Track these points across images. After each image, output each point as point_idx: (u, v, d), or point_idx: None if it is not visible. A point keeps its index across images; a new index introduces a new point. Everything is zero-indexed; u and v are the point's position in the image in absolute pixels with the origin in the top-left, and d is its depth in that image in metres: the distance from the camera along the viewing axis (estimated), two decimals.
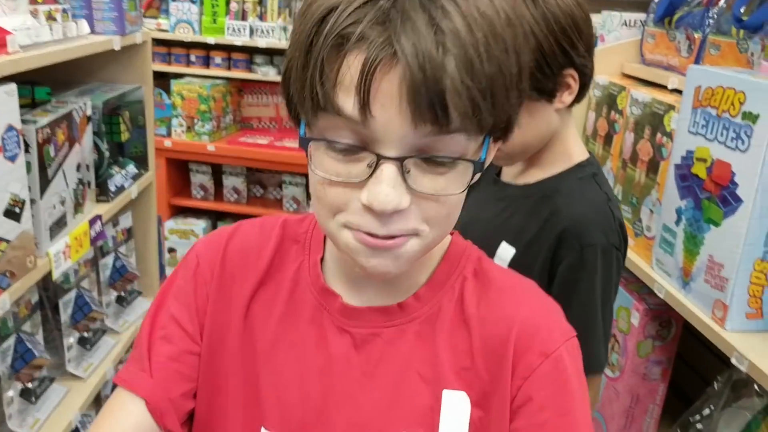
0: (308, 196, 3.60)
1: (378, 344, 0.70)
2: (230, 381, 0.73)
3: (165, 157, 3.52)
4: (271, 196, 3.80)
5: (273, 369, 0.72)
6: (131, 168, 1.78)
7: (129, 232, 1.87)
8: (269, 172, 3.75)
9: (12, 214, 1.17)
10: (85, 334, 1.62)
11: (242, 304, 0.74)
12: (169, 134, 3.56)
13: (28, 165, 1.23)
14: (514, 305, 0.69)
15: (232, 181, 3.70)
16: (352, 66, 0.54)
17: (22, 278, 1.21)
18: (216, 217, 3.78)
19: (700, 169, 1.29)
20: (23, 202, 1.20)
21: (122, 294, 1.81)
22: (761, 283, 1.19)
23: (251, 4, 3.48)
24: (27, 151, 1.22)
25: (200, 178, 3.71)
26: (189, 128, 3.53)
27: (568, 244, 1.02)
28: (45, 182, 1.30)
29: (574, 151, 1.10)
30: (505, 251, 1.08)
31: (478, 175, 0.61)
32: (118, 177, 1.70)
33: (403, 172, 0.58)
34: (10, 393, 1.36)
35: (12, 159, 1.16)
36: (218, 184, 3.73)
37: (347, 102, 0.55)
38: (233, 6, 3.47)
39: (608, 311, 1.05)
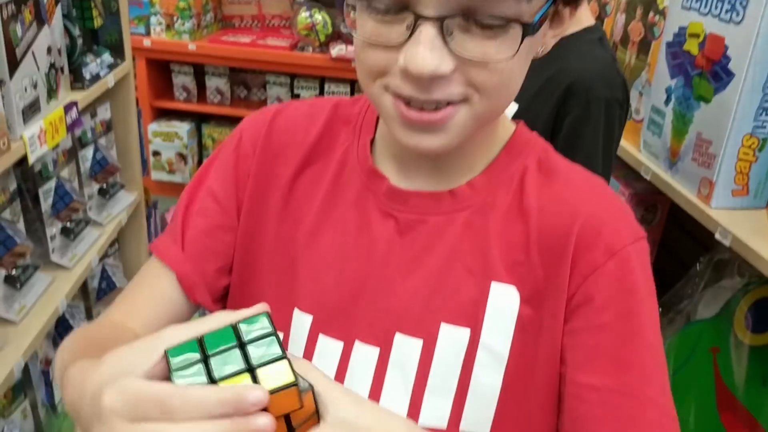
0: (293, 97, 3.53)
1: (423, 231, 0.66)
2: (267, 259, 0.71)
3: (145, 57, 3.41)
4: (255, 97, 3.72)
5: (311, 250, 0.69)
6: (106, 57, 1.72)
7: (108, 125, 1.82)
8: (253, 72, 3.65)
9: None
10: (68, 225, 1.60)
11: (284, 183, 0.71)
12: (148, 33, 3.44)
13: None
14: (580, 198, 0.64)
15: (215, 82, 3.61)
16: None
17: None
18: (200, 119, 3.71)
19: (692, 45, 1.26)
20: None
21: (104, 186, 1.78)
22: (749, 159, 1.18)
23: None
24: None
25: (182, 79, 3.61)
26: (168, 26, 3.41)
27: (575, 97, 1.05)
28: (13, 62, 1.25)
29: (582, 15, 1.13)
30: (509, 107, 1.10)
31: (533, 41, 0.56)
32: (93, 65, 1.64)
33: (444, 34, 0.53)
34: None
35: None
36: (201, 86, 3.64)
37: None
38: None
39: (608, 164, 1.09)
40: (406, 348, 0.64)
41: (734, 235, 1.13)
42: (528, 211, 0.64)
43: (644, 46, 1.48)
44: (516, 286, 0.63)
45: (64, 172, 1.60)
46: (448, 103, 0.57)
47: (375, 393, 0.64)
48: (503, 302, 0.63)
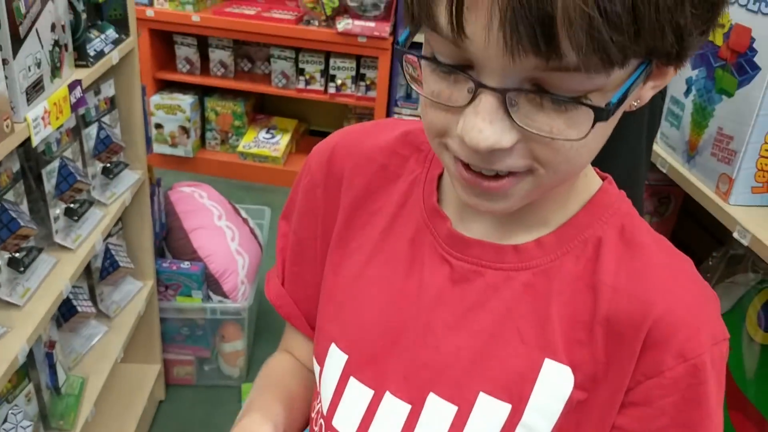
0: (297, 72, 3.48)
1: (478, 285, 0.61)
2: (324, 287, 0.70)
3: (147, 28, 3.36)
4: (259, 71, 3.66)
5: (359, 283, 0.66)
6: (111, 32, 1.67)
7: (112, 102, 1.78)
8: (257, 45, 3.60)
9: None
10: (72, 206, 1.57)
11: (347, 208, 0.69)
12: (151, 3, 3.38)
13: None
14: (661, 285, 0.57)
15: (218, 55, 3.55)
16: None
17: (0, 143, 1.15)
18: (203, 92, 3.66)
19: (716, 36, 1.22)
20: None
21: (108, 165, 1.75)
22: None
23: None
24: None
25: (185, 51, 3.55)
26: None
27: None
28: (17, 41, 1.21)
29: None
30: None
31: (605, 123, 0.48)
32: (97, 41, 1.60)
33: (507, 106, 0.47)
34: None
35: None
36: (204, 58, 3.59)
37: (441, 15, 0.45)
38: None
39: (649, 158, 1.09)
40: (438, 412, 0.60)
41: (753, 235, 1.11)
42: (600, 286, 0.57)
43: None
44: (572, 368, 0.57)
45: (68, 152, 1.57)
46: (510, 173, 0.51)
47: None
48: (555, 384, 0.58)
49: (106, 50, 1.62)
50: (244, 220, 2.40)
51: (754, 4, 1.12)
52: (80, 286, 1.79)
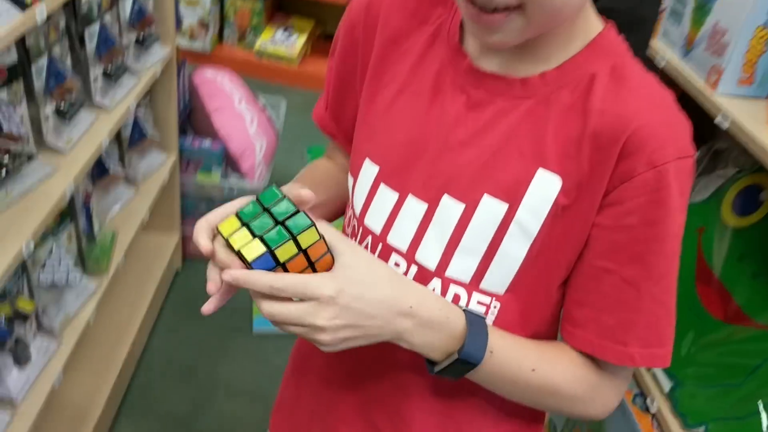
0: None
1: (489, 110, 0.72)
2: (361, 112, 0.83)
3: None
4: None
5: (391, 110, 0.78)
6: None
7: None
8: None
9: None
10: (109, 68, 1.69)
11: (381, 47, 0.79)
12: None
13: None
14: (640, 107, 0.67)
15: None
16: None
17: None
18: None
19: None
20: None
21: (141, 36, 1.86)
22: (759, 50, 1.25)
23: None
24: None
25: None
26: None
27: None
28: None
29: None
30: None
31: None
32: None
33: None
34: (47, 110, 1.46)
35: None
36: None
37: None
38: None
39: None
40: (449, 209, 0.73)
41: (733, 119, 1.22)
42: (589, 112, 0.68)
43: None
44: (560, 176, 0.68)
45: (107, 18, 1.67)
46: (506, 8, 0.62)
47: (415, 241, 0.75)
48: (545, 188, 0.69)
49: None
50: (263, 108, 2.52)
51: None
52: (112, 150, 1.92)
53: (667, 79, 1.49)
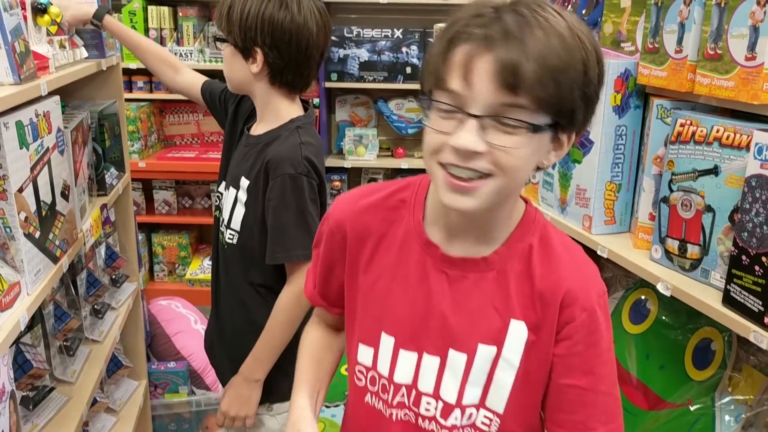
0: None
1: (466, 283, 0.96)
2: (360, 299, 1.05)
3: None
4: (199, 206, 4.11)
5: (389, 294, 1.01)
6: (113, 170, 2.12)
7: (113, 226, 2.19)
8: (196, 184, 4.06)
9: (64, 195, 1.51)
10: (96, 306, 1.94)
11: (369, 251, 1.03)
12: None
13: (67, 159, 1.58)
14: (566, 271, 0.94)
15: (162, 195, 3.98)
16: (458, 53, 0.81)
17: (72, 245, 1.55)
18: (150, 229, 4.04)
19: None
20: (69, 187, 1.55)
21: (114, 277, 2.13)
22: (612, 198, 1.70)
23: (168, 31, 3.81)
24: (66, 148, 1.57)
25: (132, 195, 3.95)
26: None
27: (269, 175, 1.50)
28: (75, 174, 1.64)
29: (283, 113, 1.56)
30: (244, 182, 1.56)
31: (539, 146, 0.84)
32: (107, 177, 2.03)
33: (481, 126, 0.81)
34: (54, 348, 1.68)
35: (62, 153, 1.50)
36: (149, 199, 4.00)
37: (453, 82, 0.82)
38: (152, 33, 3.78)
39: (310, 217, 1.51)
40: (456, 359, 0.98)
41: (610, 249, 1.63)
42: (533, 274, 0.94)
43: None
44: (525, 322, 0.95)
45: (91, 264, 1.96)
46: (480, 177, 0.84)
47: (437, 385, 0.99)
48: (518, 333, 0.95)
49: (114, 183, 2.05)
50: None
51: None
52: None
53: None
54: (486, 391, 0.98)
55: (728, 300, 1.26)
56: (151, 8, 3.74)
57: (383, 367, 1.03)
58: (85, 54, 1.83)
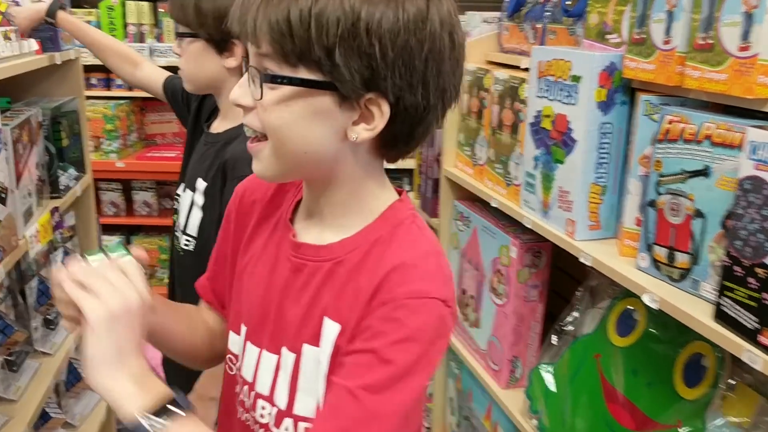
0: None
1: (304, 274, 0.88)
2: (234, 286, 0.99)
3: None
4: None
5: (252, 278, 0.95)
6: (72, 171, 2.00)
7: (73, 230, 2.07)
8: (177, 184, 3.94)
9: (1, 198, 1.39)
10: (48, 317, 1.82)
11: (251, 228, 0.97)
12: None
13: (6, 159, 1.46)
14: (392, 263, 0.82)
15: (142, 196, 3.87)
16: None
17: (10, 254, 1.43)
18: (129, 231, 3.92)
19: (547, 123, 1.69)
20: (6, 189, 1.43)
21: None
22: (596, 201, 1.58)
23: (148, 27, 3.69)
24: (5, 148, 1.45)
25: (111, 196, 3.85)
26: (96, 148, 3.68)
27: (226, 176, 1.41)
28: (17, 175, 1.52)
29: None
30: (201, 184, 1.48)
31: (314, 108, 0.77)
32: (63, 178, 1.91)
33: (252, 79, 0.78)
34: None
35: None
36: (129, 200, 3.89)
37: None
38: (131, 29, 3.66)
39: None
40: (287, 359, 0.88)
41: (594, 258, 1.51)
42: (363, 269, 0.84)
43: (515, 128, 1.91)
44: (341, 324, 0.83)
45: (43, 271, 1.84)
46: (258, 139, 0.81)
47: (272, 388, 0.89)
48: (329, 335, 0.84)
49: (71, 185, 1.93)
50: None
51: (566, 98, 1.59)
52: (50, 396, 1.98)
53: (537, 236, 1.79)
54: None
55: (720, 315, 1.14)
56: (130, 3, 3.63)
57: (237, 357, 0.96)
58: (35, 47, 1.71)
